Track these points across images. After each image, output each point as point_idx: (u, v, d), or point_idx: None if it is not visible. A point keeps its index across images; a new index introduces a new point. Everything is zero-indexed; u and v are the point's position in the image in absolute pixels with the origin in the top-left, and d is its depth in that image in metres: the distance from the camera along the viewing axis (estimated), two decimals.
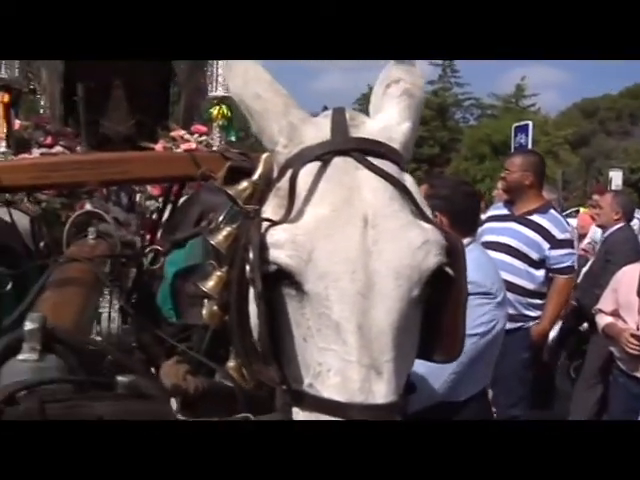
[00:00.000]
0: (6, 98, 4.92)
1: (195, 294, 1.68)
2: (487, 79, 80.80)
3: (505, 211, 4.68)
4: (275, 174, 1.18)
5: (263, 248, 1.04)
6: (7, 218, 2.66)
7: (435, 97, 41.83)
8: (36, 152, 4.96)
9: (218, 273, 1.34)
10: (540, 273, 4.48)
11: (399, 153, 1.16)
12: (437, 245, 1.07)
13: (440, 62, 42.43)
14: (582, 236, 7.55)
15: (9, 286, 1.88)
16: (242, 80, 1.16)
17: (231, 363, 1.43)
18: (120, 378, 1.24)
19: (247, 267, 1.08)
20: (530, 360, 4.42)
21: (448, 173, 33.66)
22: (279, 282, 1.06)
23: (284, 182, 1.10)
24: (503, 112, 40.30)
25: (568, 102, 57.74)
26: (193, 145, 5.13)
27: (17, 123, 5.26)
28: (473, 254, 2.60)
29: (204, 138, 5.27)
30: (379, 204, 1.05)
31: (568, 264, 4.51)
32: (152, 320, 2.01)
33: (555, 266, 4.48)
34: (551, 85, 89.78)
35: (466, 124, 44.97)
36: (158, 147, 5.18)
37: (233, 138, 5.37)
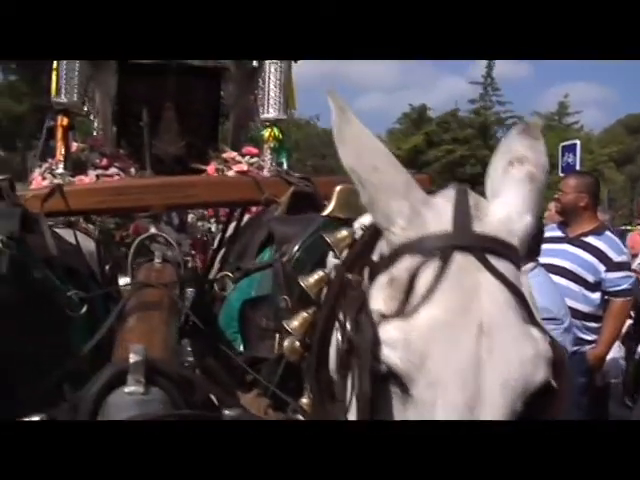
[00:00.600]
0: (65, 122, 5.04)
1: (266, 327, 1.69)
2: (529, 97, 79.91)
3: (559, 233, 4.63)
4: (386, 251, 1.13)
5: (375, 343, 1.00)
6: (71, 239, 2.72)
7: (476, 116, 41.59)
8: (92, 174, 5.06)
9: (304, 315, 1.33)
10: (596, 296, 4.42)
11: (518, 252, 1.11)
12: (545, 359, 1.04)
13: (481, 80, 42.24)
14: (633, 256, 7.41)
15: (84, 309, 1.90)
16: (355, 149, 1.12)
17: (305, 399, 1.44)
18: (227, 412, 1.26)
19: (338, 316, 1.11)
20: (586, 385, 4.34)
21: None
22: (385, 380, 1.04)
23: (401, 272, 1.06)
24: (546, 130, 39.91)
25: (612, 119, 57.01)
26: (245, 167, 5.19)
27: (74, 145, 5.38)
28: (539, 279, 2.58)
29: (255, 160, 5.32)
30: (495, 312, 1.01)
31: (625, 287, 4.43)
32: (215, 344, 2.02)
33: (611, 289, 4.41)
34: (594, 102, 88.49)
35: None
36: (210, 169, 5.26)
37: (284, 160, 5.40)
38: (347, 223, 1.70)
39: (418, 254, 1.04)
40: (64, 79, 5.06)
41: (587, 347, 4.41)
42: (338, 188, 1.84)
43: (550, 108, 43.20)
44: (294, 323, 1.35)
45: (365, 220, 1.33)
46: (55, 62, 5.11)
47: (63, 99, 5.04)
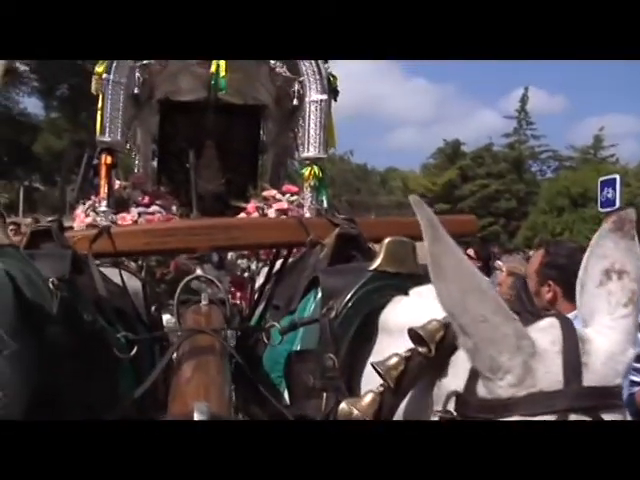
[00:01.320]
0: (109, 160, 5.13)
1: (313, 386, 1.66)
2: (564, 130, 79.63)
3: None
4: (483, 393, 1.06)
5: None
6: (116, 278, 2.73)
7: (511, 150, 41.47)
8: (134, 211, 5.13)
9: (371, 395, 1.27)
10: None
11: (622, 394, 1.07)
12: None
13: (515, 114, 42.21)
14: None
15: (133, 351, 1.90)
16: (458, 290, 1.01)
17: None
18: None
19: None
20: None
21: (525, 227, 33.08)
22: None
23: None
24: (581, 164, 39.55)
25: None
26: (285, 205, 5.21)
27: (116, 183, 5.46)
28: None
29: (295, 198, 5.34)
30: None
31: None
32: (257, 387, 1.99)
33: None
34: (630, 134, 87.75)
35: (543, 177, 44.25)
36: (250, 207, 5.29)
37: (324, 198, 5.41)
38: (396, 277, 1.67)
39: (528, 412, 0.99)
40: (108, 118, 5.16)
41: (636, 389, 4.28)
42: (386, 240, 1.78)
43: (585, 141, 42.92)
44: (363, 403, 1.28)
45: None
46: (100, 101, 5.22)
47: (107, 138, 5.13)
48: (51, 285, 1.54)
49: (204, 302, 2.41)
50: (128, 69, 5.19)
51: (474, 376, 1.07)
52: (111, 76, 5.15)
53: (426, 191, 38.41)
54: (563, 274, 2.59)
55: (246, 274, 4.98)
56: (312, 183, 5.23)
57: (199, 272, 2.64)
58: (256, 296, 2.94)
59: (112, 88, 5.16)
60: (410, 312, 1.42)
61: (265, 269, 4.31)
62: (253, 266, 4.93)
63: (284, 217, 4.60)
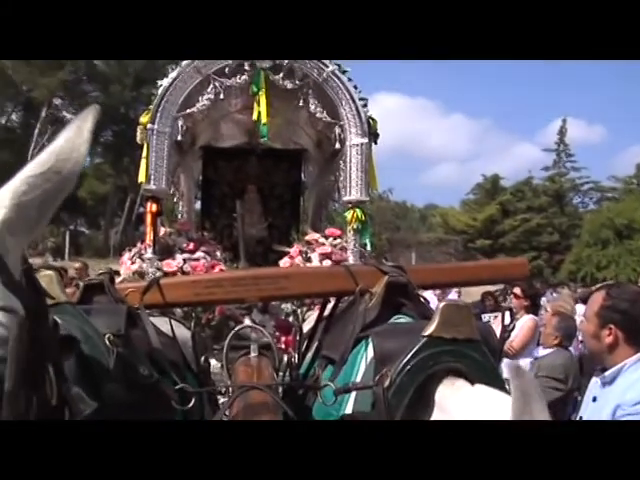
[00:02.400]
0: (154, 208, 5.21)
1: None
2: (605, 161, 78.60)
3: None
4: None
5: None
6: (164, 326, 2.75)
7: (551, 183, 41.05)
8: (179, 258, 5.19)
9: None
10: None
11: None
12: None
13: (554, 147, 41.87)
14: None
15: (191, 403, 1.90)
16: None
17: None
18: None
19: None
20: None
21: (569, 260, 32.52)
22: None
23: None
24: (624, 194, 38.92)
25: None
26: (328, 249, 5.22)
27: (161, 230, 5.54)
28: None
29: (338, 241, 5.35)
30: None
31: None
32: None
33: None
34: None
35: (585, 209, 43.59)
36: (293, 251, 5.31)
37: (367, 241, 5.40)
38: (452, 343, 1.62)
39: None
40: (153, 167, 5.26)
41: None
42: (442, 305, 1.76)
43: (627, 171, 42.26)
44: None
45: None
46: (145, 150, 5.33)
47: (152, 186, 5.23)
48: (107, 341, 1.57)
49: (254, 354, 2.41)
50: (172, 118, 5.30)
51: None
52: (155, 126, 5.26)
53: (466, 227, 38.09)
54: (625, 318, 2.53)
55: (291, 318, 4.99)
56: (355, 226, 5.24)
57: (247, 321, 2.65)
58: (304, 343, 2.92)
59: (156, 137, 5.27)
60: (473, 406, 1.41)
61: (313, 315, 4.32)
62: (298, 310, 4.94)
63: (332, 266, 4.58)
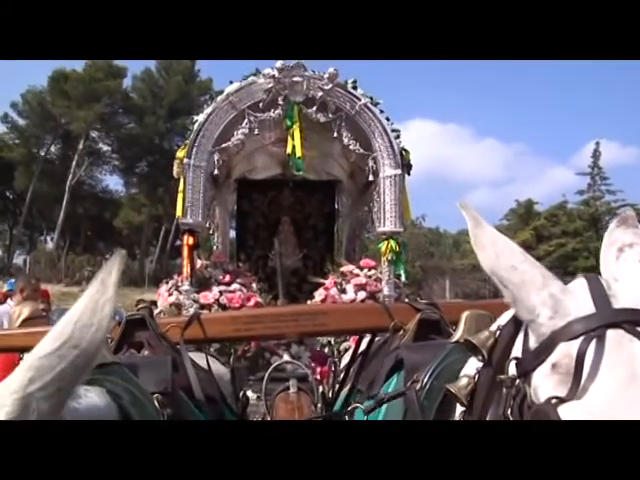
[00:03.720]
0: (191, 241, 5.30)
1: None
2: None
3: None
4: (534, 343, 1.16)
5: None
6: (199, 361, 2.79)
7: (586, 207, 40.58)
8: (216, 290, 5.26)
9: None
10: None
11: None
12: None
13: (588, 170, 41.44)
14: None
15: None
16: (493, 252, 1.20)
17: None
18: None
19: None
20: None
21: None
22: None
23: (562, 358, 1.10)
24: None
25: None
26: (363, 280, 5.25)
27: (198, 262, 5.62)
28: None
29: (373, 272, 5.37)
30: None
31: None
32: None
33: None
34: None
35: None
36: (329, 282, 5.34)
37: (402, 272, 5.42)
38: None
39: (572, 338, 1.08)
40: (190, 201, 5.36)
41: None
42: (466, 314, 1.83)
43: None
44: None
45: (501, 321, 1.36)
46: (181, 184, 5.44)
47: (189, 220, 5.32)
48: (156, 403, 1.59)
49: (293, 389, 2.44)
50: (207, 153, 5.41)
51: (525, 338, 1.19)
52: (192, 160, 5.38)
53: None
54: None
55: (326, 349, 5.01)
56: (389, 257, 5.26)
57: (286, 356, 2.69)
58: (340, 377, 2.95)
59: (193, 171, 5.38)
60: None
61: (348, 347, 4.34)
62: (333, 341, 4.96)
63: (368, 303, 4.62)
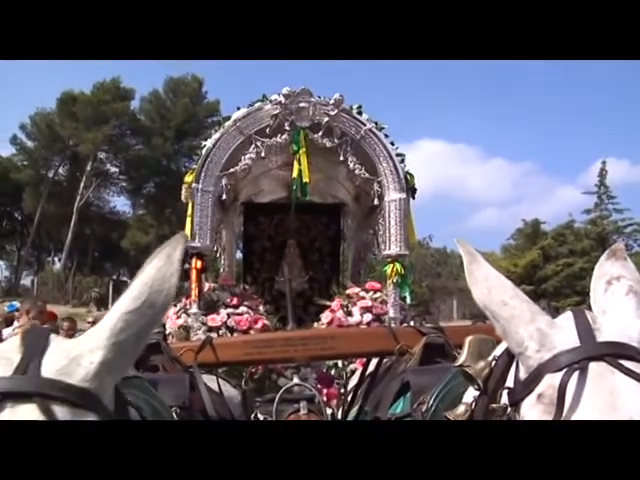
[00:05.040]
0: (199, 264, 5.36)
1: None
2: None
3: None
4: (523, 374, 1.23)
5: None
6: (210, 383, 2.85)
7: (593, 226, 40.46)
8: (223, 312, 5.32)
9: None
10: None
11: (639, 352, 1.21)
12: None
13: (594, 190, 41.40)
14: None
15: None
16: (486, 287, 1.25)
17: None
18: None
19: None
20: None
21: None
22: None
23: (547, 389, 1.16)
24: None
25: None
26: (369, 303, 5.31)
27: (205, 285, 5.68)
28: None
29: (378, 295, 5.43)
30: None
31: None
32: None
33: None
34: None
35: (630, 251, 42.65)
36: (335, 305, 5.40)
37: (407, 294, 5.48)
38: None
39: (557, 370, 1.15)
40: (198, 225, 5.44)
41: None
42: (469, 339, 1.90)
43: None
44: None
45: (497, 352, 1.42)
46: (190, 209, 5.52)
47: (197, 243, 5.39)
48: (175, 414, 1.67)
49: (303, 411, 2.50)
50: (215, 177, 5.50)
51: (517, 369, 1.25)
52: (200, 185, 5.47)
53: (508, 273, 37.43)
54: None
55: (333, 371, 5.05)
56: (395, 279, 5.32)
57: (296, 379, 2.75)
58: (348, 399, 3.01)
59: (201, 196, 5.47)
60: None
61: (355, 369, 4.39)
62: (340, 363, 5.00)
63: (375, 327, 4.68)
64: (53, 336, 1.08)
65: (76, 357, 1.03)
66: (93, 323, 9.22)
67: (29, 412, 0.95)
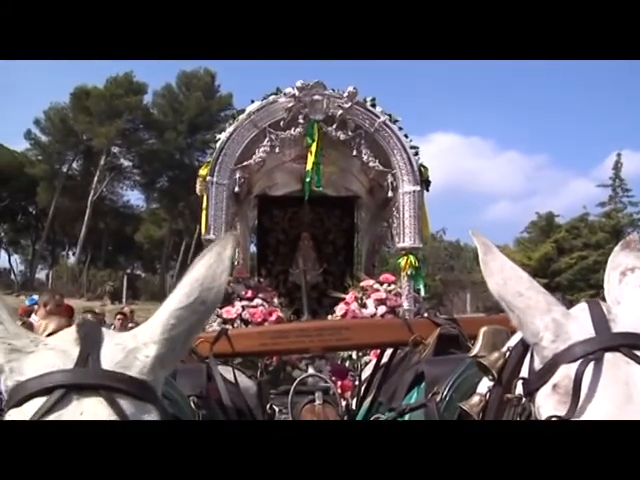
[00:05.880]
0: None
1: None
2: None
3: None
4: (538, 365, 1.24)
5: None
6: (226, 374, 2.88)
7: (608, 219, 40.17)
8: (238, 305, 5.34)
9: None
10: None
11: None
12: None
13: (609, 182, 41.07)
14: None
15: None
16: (501, 278, 1.26)
17: None
18: None
19: None
20: None
21: None
22: None
23: (562, 379, 1.17)
24: None
25: None
26: (383, 295, 5.31)
27: None
28: None
29: (393, 287, 5.44)
30: None
31: None
32: None
33: None
34: None
35: None
36: (349, 297, 5.41)
37: (421, 287, 5.48)
38: None
39: (572, 361, 1.15)
40: (212, 217, 5.46)
41: None
42: (483, 329, 1.91)
43: None
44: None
45: (511, 343, 1.44)
46: (204, 202, 5.55)
47: (212, 236, 5.43)
48: (192, 404, 1.69)
49: (319, 401, 2.52)
50: (230, 170, 5.52)
51: (531, 360, 1.26)
52: (214, 178, 5.50)
53: (521, 266, 37.01)
54: None
55: (347, 363, 5.07)
56: (409, 272, 5.33)
57: (311, 370, 2.77)
58: (362, 389, 3.02)
59: (215, 189, 5.50)
60: None
61: (369, 361, 4.40)
62: (354, 355, 5.02)
63: (390, 318, 4.69)
64: (104, 329, 1.11)
65: (132, 350, 1.07)
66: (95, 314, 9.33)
67: (96, 404, 0.99)
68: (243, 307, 5.31)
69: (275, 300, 5.51)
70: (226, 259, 1.13)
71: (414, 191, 5.41)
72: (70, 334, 1.07)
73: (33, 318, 6.28)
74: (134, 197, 48.96)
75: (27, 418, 0.96)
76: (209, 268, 1.12)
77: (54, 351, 1.06)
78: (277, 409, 3.61)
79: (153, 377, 1.06)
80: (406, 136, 5.59)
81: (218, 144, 5.61)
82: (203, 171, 5.65)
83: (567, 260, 36.72)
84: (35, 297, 7.85)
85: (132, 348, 1.06)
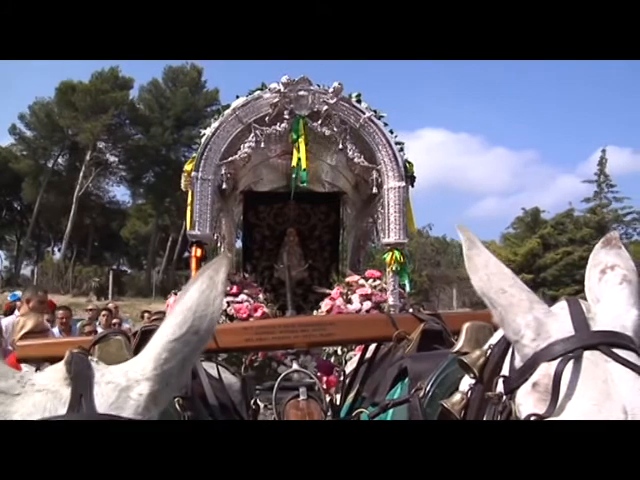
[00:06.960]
0: (199, 253, 5.38)
1: None
2: None
3: None
4: (519, 363, 1.24)
5: None
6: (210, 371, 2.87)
7: (593, 215, 40.44)
8: (223, 300, 5.32)
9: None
10: None
11: (634, 341, 1.22)
12: None
13: (594, 178, 41.34)
14: None
15: None
16: (485, 274, 1.26)
17: None
18: None
19: None
20: None
21: None
22: None
23: (541, 377, 1.18)
24: None
25: None
26: (368, 290, 5.32)
27: None
28: None
29: (378, 283, 5.45)
30: (635, 395, 1.12)
31: None
32: None
33: None
34: None
35: (629, 240, 42.61)
36: (334, 293, 5.42)
37: (407, 282, 5.50)
38: None
39: (551, 359, 1.17)
40: (198, 213, 5.44)
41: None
42: (466, 325, 1.92)
43: None
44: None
45: (493, 340, 1.44)
46: (190, 197, 5.53)
47: (197, 232, 5.41)
48: (177, 405, 1.68)
49: (303, 397, 2.52)
50: (215, 166, 5.51)
51: (512, 358, 1.27)
52: (199, 173, 5.48)
53: (507, 262, 37.25)
54: None
55: (332, 359, 5.07)
56: (394, 267, 5.34)
57: (295, 365, 2.77)
58: (346, 384, 3.03)
59: (200, 184, 5.48)
60: None
61: (354, 357, 4.41)
62: (339, 351, 5.02)
63: (374, 313, 4.70)
64: (93, 363, 1.07)
65: (124, 389, 1.04)
66: (90, 310, 9.27)
67: None
68: (228, 303, 5.30)
69: (260, 296, 5.50)
70: (219, 284, 1.08)
71: (399, 187, 5.42)
72: (59, 372, 1.03)
73: (16, 314, 6.23)
74: (120, 193, 48.81)
75: None
76: (202, 294, 1.07)
77: (43, 392, 1.02)
78: (262, 405, 3.61)
79: (148, 416, 1.03)
80: (391, 132, 5.59)
81: (203, 139, 5.60)
82: (188, 166, 5.63)
83: (552, 256, 36.97)
84: (18, 293, 7.77)
85: (124, 387, 1.03)
